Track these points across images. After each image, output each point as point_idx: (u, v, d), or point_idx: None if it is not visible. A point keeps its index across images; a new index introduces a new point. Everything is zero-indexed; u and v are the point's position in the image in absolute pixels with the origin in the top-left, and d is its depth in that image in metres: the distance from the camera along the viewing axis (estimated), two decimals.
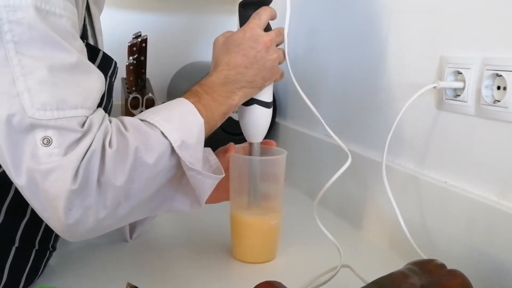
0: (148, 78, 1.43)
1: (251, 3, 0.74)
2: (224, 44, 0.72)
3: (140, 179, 0.58)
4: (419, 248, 0.74)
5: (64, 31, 0.56)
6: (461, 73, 0.72)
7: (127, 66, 1.35)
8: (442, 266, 0.58)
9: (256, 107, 0.75)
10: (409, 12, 0.84)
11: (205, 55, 1.52)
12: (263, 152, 0.79)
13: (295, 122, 1.28)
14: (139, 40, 1.36)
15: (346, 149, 0.74)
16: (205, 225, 0.94)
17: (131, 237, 0.85)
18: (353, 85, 1.01)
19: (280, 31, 0.74)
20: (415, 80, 0.82)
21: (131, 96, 1.36)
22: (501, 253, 0.64)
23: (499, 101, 0.66)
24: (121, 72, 1.10)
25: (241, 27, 0.72)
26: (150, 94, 1.38)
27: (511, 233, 0.63)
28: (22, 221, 0.64)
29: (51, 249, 0.70)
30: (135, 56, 1.36)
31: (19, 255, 0.65)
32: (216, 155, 0.72)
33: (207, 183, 0.66)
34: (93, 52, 0.66)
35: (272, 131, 1.32)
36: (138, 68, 1.37)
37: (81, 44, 0.60)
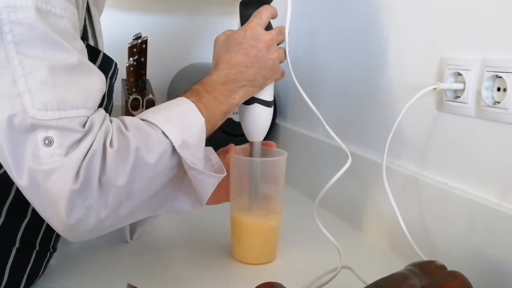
0: (148, 79, 1.43)
1: (252, 1, 0.74)
2: (225, 42, 0.71)
3: (141, 179, 0.58)
4: (419, 249, 0.74)
5: (64, 31, 0.56)
6: (461, 74, 0.72)
7: (127, 67, 1.35)
8: (443, 267, 0.58)
9: (257, 106, 0.75)
10: (409, 12, 0.84)
11: (205, 56, 1.52)
12: (264, 154, 0.79)
13: (295, 123, 1.28)
14: (139, 41, 1.35)
15: (347, 150, 0.73)
16: (205, 226, 0.93)
17: (131, 238, 0.84)
18: (353, 86, 1.01)
19: (281, 30, 0.73)
20: (415, 81, 0.82)
21: (131, 97, 1.36)
22: (501, 254, 0.64)
23: (499, 102, 0.66)
24: (121, 73, 1.10)
25: (242, 26, 0.72)
26: (151, 95, 1.37)
27: (511, 234, 0.63)
28: (22, 222, 0.64)
29: (51, 250, 0.70)
30: (135, 57, 1.36)
31: (19, 255, 0.65)
32: None
33: (209, 182, 0.66)
34: (93, 53, 0.66)
35: (272, 132, 1.32)
36: (138, 69, 1.37)
37: (81, 45, 0.60)
